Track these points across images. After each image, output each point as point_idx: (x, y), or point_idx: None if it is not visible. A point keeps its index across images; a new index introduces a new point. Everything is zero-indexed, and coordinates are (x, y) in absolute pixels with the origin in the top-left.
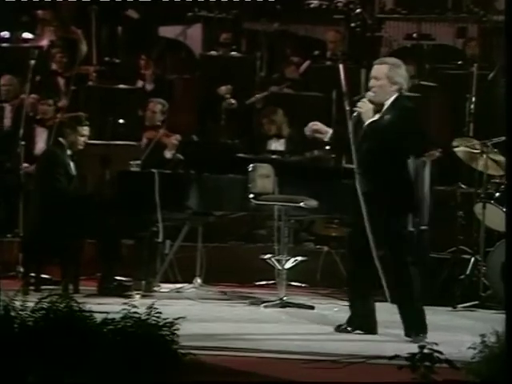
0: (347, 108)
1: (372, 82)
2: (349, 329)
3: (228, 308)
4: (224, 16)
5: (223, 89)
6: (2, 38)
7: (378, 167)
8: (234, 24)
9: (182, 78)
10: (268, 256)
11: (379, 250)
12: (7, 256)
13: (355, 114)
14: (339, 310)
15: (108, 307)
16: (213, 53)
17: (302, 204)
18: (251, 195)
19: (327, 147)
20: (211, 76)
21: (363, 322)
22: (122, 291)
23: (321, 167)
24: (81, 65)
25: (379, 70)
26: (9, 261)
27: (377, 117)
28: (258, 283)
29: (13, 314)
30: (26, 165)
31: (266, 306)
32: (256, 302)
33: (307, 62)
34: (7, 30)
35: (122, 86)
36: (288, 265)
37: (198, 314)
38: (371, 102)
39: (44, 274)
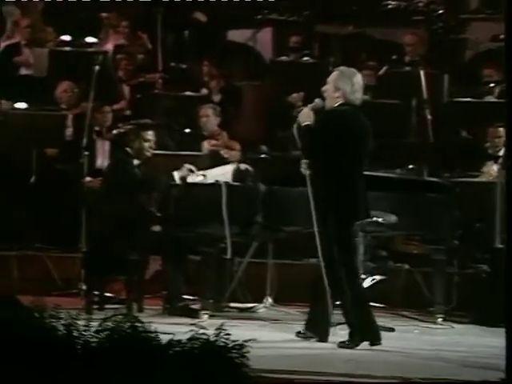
0: (428, 117)
1: (324, 87)
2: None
3: (300, 329)
4: (295, 19)
5: (294, 96)
6: (64, 42)
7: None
8: (305, 27)
9: (250, 85)
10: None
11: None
12: (69, 272)
13: (297, 119)
14: (421, 332)
15: (174, 328)
16: (283, 58)
17: (379, 219)
18: None
19: (410, 166)
20: (282, 83)
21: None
22: (188, 311)
23: (400, 179)
24: (146, 71)
25: (330, 75)
26: (71, 277)
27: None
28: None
29: (75, 334)
30: (89, 179)
31: (342, 328)
32: (331, 323)
33: (384, 68)
34: (69, 34)
35: (188, 93)
36: (365, 284)
37: (269, 336)
38: (317, 108)
39: (107, 291)
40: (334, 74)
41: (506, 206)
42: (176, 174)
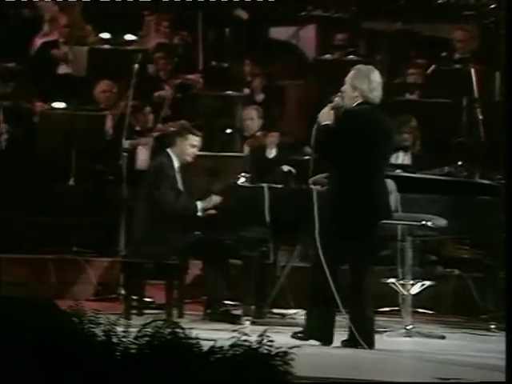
0: (480, 116)
1: (343, 87)
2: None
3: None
4: (340, 15)
5: (339, 96)
6: (103, 40)
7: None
8: (351, 24)
9: (293, 85)
10: (391, 280)
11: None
12: (108, 277)
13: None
14: (472, 340)
15: (215, 334)
16: (328, 56)
17: (429, 223)
18: None
19: (459, 162)
20: (326, 82)
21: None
22: (229, 317)
23: (451, 182)
24: (186, 71)
25: (348, 75)
26: (109, 282)
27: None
28: (379, 309)
29: (115, 340)
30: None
31: (389, 335)
32: (378, 330)
33: (433, 65)
34: (107, 32)
35: (229, 92)
36: (414, 290)
37: (314, 343)
38: (337, 107)
39: (147, 296)
40: (351, 73)
41: (506, 206)
42: (199, 204)
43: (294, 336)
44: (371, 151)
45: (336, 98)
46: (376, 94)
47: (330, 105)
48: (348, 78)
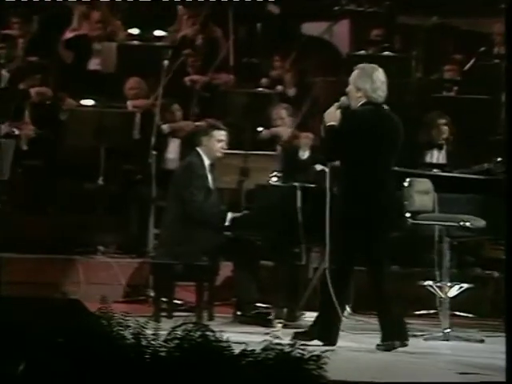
0: None
1: (347, 88)
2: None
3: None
4: (375, 10)
5: None
6: (132, 36)
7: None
8: (385, 19)
9: (326, 81)
10: (428, 282)
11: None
12: (136, 278)
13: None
14: None
15: (246, 337)
16: (362, 52)
17: (467, 224)
18: (408, 214)
19: (499, 159)
20: None
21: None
22: (261, 319)
23: (490, 181)
24: (216, 68)
25: (351, 75)
26: (138, 283)
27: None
28: (416, 313)
29: (144, 343)
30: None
31: (426, 339)
32: (415, 333)
33: (471, 61)
34: (136, 27)
35: (261, 89)
36: (452, 292)
37: (348, 347)
38: (343, 107)
39: (176, 298)
40: (354, 73)
41: (507, 206)
42: (230, 215)
43: (297, 336)
44: (376, 151)
45: (342, 98)
46: (380, 94)
47: (336, 104)
48: (351, 79)
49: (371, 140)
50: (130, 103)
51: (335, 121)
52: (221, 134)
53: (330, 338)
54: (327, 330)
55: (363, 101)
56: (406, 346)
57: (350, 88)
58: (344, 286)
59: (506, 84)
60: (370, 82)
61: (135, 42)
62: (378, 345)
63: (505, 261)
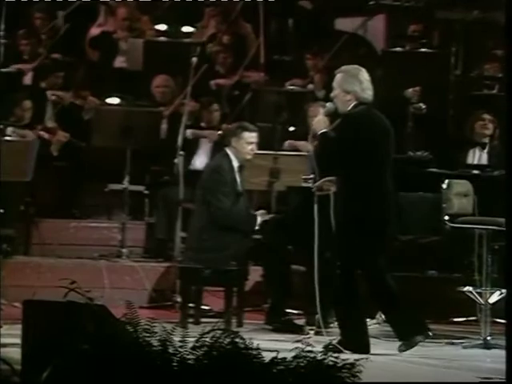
0: None
1: (332, 93)
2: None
3: (419, 348)
4: (412, 4)
5: (410, 91)
6: (159, 32)
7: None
8: (423, 13)
9: None
10: (468, 288)
11: None
12: (163, 283)
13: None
14: None
15: (277, 345)
16: (398, 49)
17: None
18: (446, 217)
19: None
20: (396, 76)
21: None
22: (292, 326)
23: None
24: (247, 67)
25: (335, 79)
26: (165, 288)
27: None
28: (455, 319)
29: (171, 350)
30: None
31: (465, 347)
32: (454, 341)
33: None
34: (164, 23)
35: (292, 87)
36: (492, 299)
37: (383, 354)
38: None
39: (204, 304)
40: (339, 77)
41: (506, 204)
42: (259, 217)
43: (330, 348)
44: (378, 152)
45: (327, 104)
46: (369, 93)
47: (323, 111)
48: (336, 83)
49: (372, 141)
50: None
51: (325, 128)
52: (251, 136)
53: (361, 347)
54: (357, 339)
55: (354, 103)
56: (428, 336)
57: (337, 92)
58: (356, 290)
59: (506, 86)
60: (358, 84)
61: (162, 39)
62: (399, 346)
63: (505, 259)
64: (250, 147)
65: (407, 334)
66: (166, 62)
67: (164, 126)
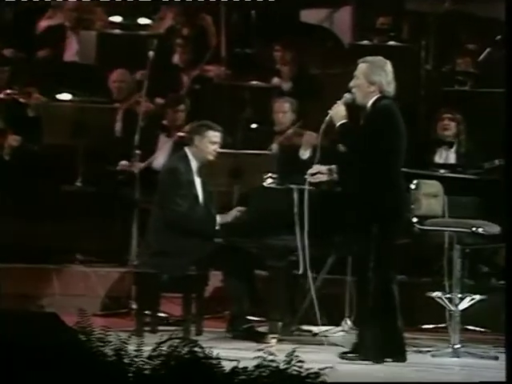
0: None
1: (352, 82)
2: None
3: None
4: None
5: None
6: (114, 24)
7: (356, 174)
8: (392, 5)
9: (327, 74)
10: (437, 294)
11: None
12: (118, 289)
13: (327, 118)
14: None
15: (238, 353)
16: (366, 42)
17: (479, 230)
18: (415, 219)
19: None
20: None
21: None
22: (254, 334)
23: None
24: (207, 60)
25: (359, 68)
26: (119, 295)
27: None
28: (424, 327)
29: (126, 360)
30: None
31: (434, 355)
32: (422, 349)
33: (487, 50)
34: (118, 14)
35: (254, 83)
36: (463, 305)
37: (349, 363)
38: (349, 104)
39: (161, 311)
40: (364, 67)
41: (507, 206)
42: (219, 218)
43: (344, 356)
44: (401, 148)
45: (346, 95)
46: (392, 87)
47: (341, 102)
48: (361, 73)
49: (400, 137)
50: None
51: (345, 119)
52: (215, 136)
53: (376, 355)
54: (373, 346)
55: (377, 95)
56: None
57: (360, 82)
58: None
59: (506, 86)
60: (384, 75)
61: (116, 31)
62: (342, 353)
63: (505, 261)
64: (213, 147)
65: (363, 349)
66: (121, 55)
67: (119, 123)
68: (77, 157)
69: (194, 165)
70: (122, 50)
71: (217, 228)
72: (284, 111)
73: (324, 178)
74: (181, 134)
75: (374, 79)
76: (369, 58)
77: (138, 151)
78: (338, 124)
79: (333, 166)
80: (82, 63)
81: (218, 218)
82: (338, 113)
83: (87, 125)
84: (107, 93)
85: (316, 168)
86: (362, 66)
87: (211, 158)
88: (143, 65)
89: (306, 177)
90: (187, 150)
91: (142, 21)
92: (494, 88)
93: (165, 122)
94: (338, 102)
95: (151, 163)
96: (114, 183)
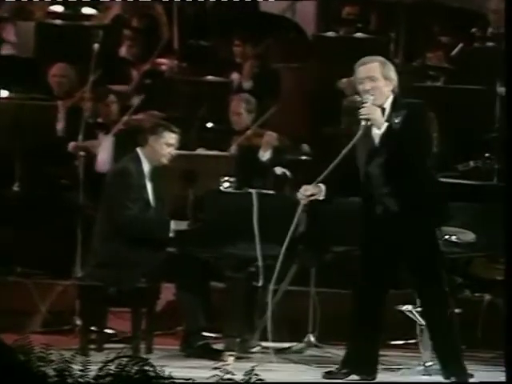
0: None
1: (367, 85)
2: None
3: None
4: None
5: (345, 81)
6: (55, 14)
7: (406, 182)
8: None
9: (289, 68)
10: (407, 307)
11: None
12: (61, 304)
13: (363, 123)
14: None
15: (193, 372)
16: (331, 33)
17: (453, 238)
18: None
19: (487, 155)
20: (329, 64)
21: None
22: (210, 351)
23: (480, 185)
24: (159, 53)
25: (372, 69)
26: (63, 310)
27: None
28: (393, 342)
29: (70, 380)
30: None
31: (403, 374)
32: (391, 367)
33: (461, 44)
34: (61, 4)
35: (211, 77)
36: None
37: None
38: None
39: (108, 327)
40: (379, 66)
41: (506, 207)
42: (173, 225)
43: (329, 376)
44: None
45: (368, 96)
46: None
47: (370, 103)
48: (376, 72)
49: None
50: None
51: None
52: (172, 138)
53: (368, 370)
54: (364, 362)
55: (392, 96)
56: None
57: (380, 83)
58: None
59: (506, 85)
60: (395, 73)
61: (58, 22)
62: (326, 373)
63: (505, 263)
64: (168, 149)
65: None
66: (62, 48)
67: (62, 122)
68: (14, 158)
69: (146, 167)
70: (63, 42)
71: (170, 235)
72: (238, 112)
73: (320, 197)
74: (120, 127)
75: (392, 76)
76: (374, 58)
77: (82, 153)
78: (384, 125)
79: (320, 185)
80: (20, 56)
81: (173, 225)
82: (379, 117)
83: (25, 123)
84: (47, 89)
85: (307, 189)
86: (375, 66)
87: (165, 161)
88: (88, 58)
89: (300, 198)
90: (139, 150)
91: (86, 10)
92: (468, 84)
93: (100, 120)
94: (366, 104)
95: None
96: (56, 187)
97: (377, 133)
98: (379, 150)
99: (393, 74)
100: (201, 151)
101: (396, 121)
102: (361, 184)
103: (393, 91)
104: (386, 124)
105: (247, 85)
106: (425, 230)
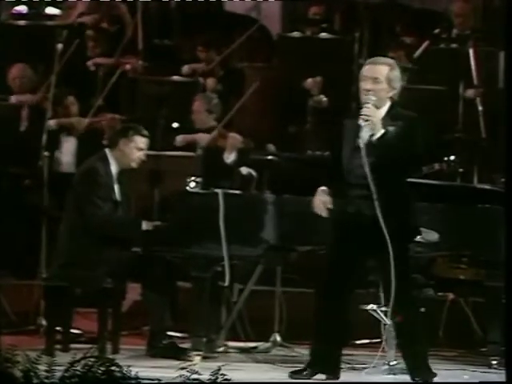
0: (479, 107)
1: (370, 85)
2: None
3: (319, 375)
4: None
5: (310, 82)
6: (18, 14)
7: (385, 190)
8: None
9: (254, 68)
10: (371, 306)
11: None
12: (25, 304)
13: (363, 124)
14: (470, 378)
15: (159, 372)
16: (296, 33)
17: (417, 237)
18: None
19: (452, 157)
20: (294, 64)
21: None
22: (176, 351)
23: (443, 186)
24: (123, 53)
25: (380, 70)
26: (27, 311)
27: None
28: (357, 342)
29: (36, 381)
30: None
31: (368, 373)
32: (356, 366)
33: (424, 44)
34: (24, 4)
35: (176, 77)
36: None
37: (278, 381)
38: None
39: (74, 328)
40: (387, 70)
41: (506, 208)
42: (144, 225)
43: (295, 376)
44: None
45: (370, 96)
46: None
47: (371, 105)
48: (384, 75)
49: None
50: (14, 98)
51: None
52: (142, 142)
53: (332, 369)
54: (328, 361)
55: (390, 102)
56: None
57: (382, 87)
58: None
59: (506, 86)
60: (400, 82)
61: (21, 22)
62: (292, 373)
63: (505, 264)
64: (138, 153)
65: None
66: (25, 48)
67: (24, 122)
68: None
69: (114, 169)
70: (25, 42)
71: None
72: (199, 111)
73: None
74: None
75: (396, 85)
76: (386, 60)
77: (46, 153)
78: (380, 131)
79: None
80: None
81: (145, 225)
82: (379, 120)
83: None
84: (8, 90)
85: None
86: (383, 69)
87: (135, 165)
88: (50, 58)
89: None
90: (108, 152)
91: (49, 10)
92: (431, 85)
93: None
94: (368, 105)
95: None
96: (20, 187)
97: (368, 135)
98: (366, 152)
99: (397, 82)
100: (166, 152)
101: (391, 129)
102: (335, 180)
103: (391, 98)
104: (382, 131)
105: (211, 84)
106: (396, 238)
